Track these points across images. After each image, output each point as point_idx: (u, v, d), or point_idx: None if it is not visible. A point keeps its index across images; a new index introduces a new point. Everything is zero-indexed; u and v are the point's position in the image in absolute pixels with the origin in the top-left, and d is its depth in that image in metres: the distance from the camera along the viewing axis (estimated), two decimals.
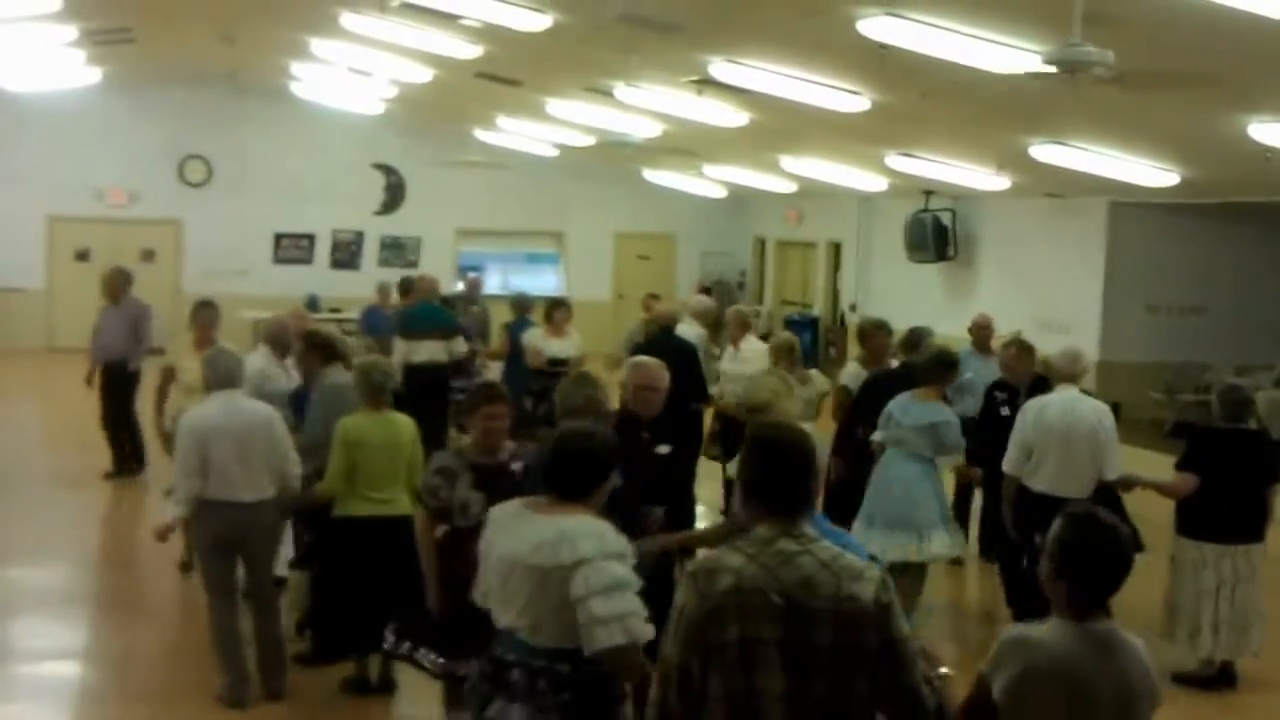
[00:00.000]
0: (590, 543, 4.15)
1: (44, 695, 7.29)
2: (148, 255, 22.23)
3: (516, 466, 5.82)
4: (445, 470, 5.87)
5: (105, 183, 21.74)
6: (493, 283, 21.15)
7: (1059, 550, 3.53)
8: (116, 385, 12.43)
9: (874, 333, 10.07)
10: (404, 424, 7.07)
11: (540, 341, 11.96)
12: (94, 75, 19.86)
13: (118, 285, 12.91)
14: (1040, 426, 7.87)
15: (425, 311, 12.78)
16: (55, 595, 7.55)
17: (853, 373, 9.81)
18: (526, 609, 4.22)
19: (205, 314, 9.73)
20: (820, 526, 3.78)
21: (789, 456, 3.53)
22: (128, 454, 12.45)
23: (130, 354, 12.51)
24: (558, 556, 4.13)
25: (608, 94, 14.30)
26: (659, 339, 10.91)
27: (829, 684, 3.37)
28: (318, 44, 16.11)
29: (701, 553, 4.51)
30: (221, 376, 6.85)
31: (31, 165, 21.01)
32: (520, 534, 4.26)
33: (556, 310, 12.17)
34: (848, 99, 11.30)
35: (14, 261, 21.02)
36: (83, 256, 21.94)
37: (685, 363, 9.96)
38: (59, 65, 18.46)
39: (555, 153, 21.29)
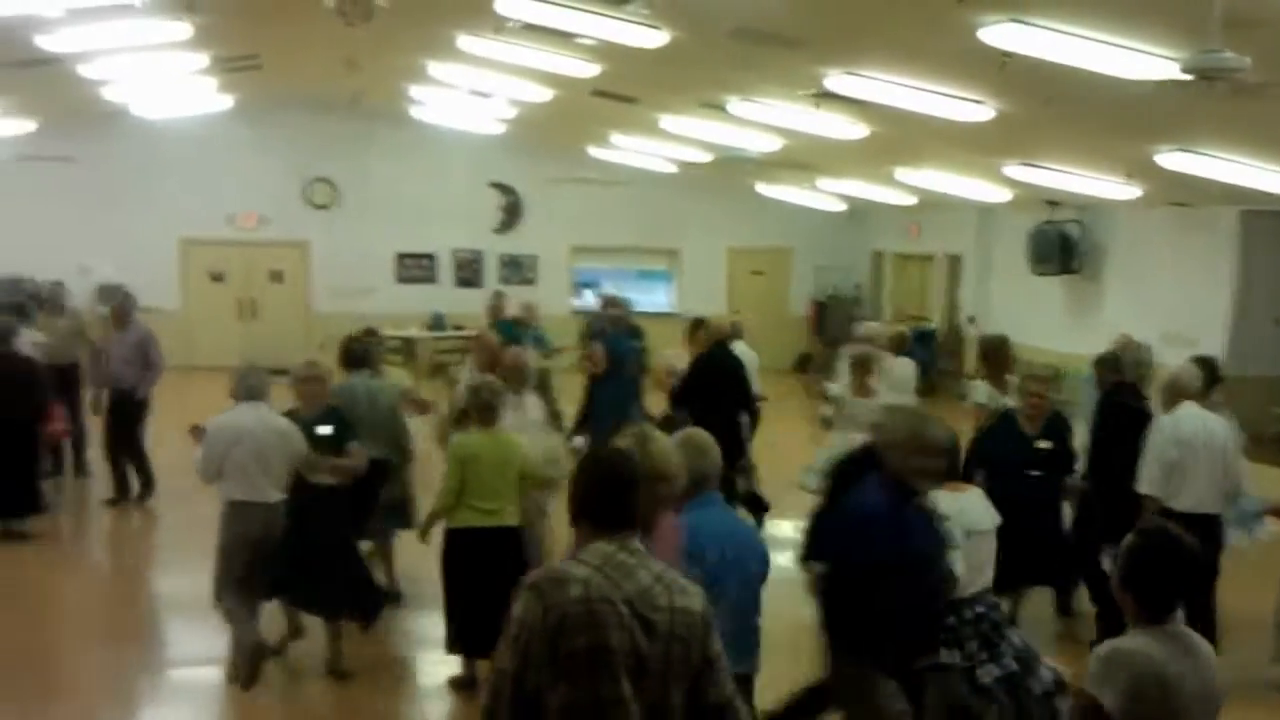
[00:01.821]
0: None
1: (193, 701, 7.50)
2: (276, 276, 22.79)
3: None
4: None
5: (235, 206, 22.30)
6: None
7: (1127, 562, 3.79)
8: (124, 413, 12.24)
9: (998, 350, 9.94)
10: (513, 442, 7.46)
11: (682, 362, 11.91)
12: (224, 102, 20.42)
13: (124, 311, 12.57)
14: (1181, 444, 7.68)
15: None
16: (204, 602, 7.77)
17: (986, 392, 9.62)
18: None
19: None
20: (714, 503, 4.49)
21: (614, 477, 3.67)
22: (135, 481, 12.30)
23: (139, 382, 12.26)
24: None
25: (722, 109, 14.33)
26: (714, 353, 11.04)
27: (656, 692, 3.50)
28: (436, 67, 16.37)
29: None
30: (251, 390, 7.55)
31: (166, 190, 21.64)
32: None
33: (699, 330, 12.11)
34: (969, 108, 11.19)
35: (150, 283, 21.53)
36: (217, 278, 22.56)
37: (737, 376, 10.85)
38: (191, 92, 19.01)
39: (672, 169, 21.36)
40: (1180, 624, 3.81)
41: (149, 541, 11.64)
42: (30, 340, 11.90)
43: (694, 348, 11.17)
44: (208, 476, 7.47)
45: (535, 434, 8.20)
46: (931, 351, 19.96)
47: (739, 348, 11.80)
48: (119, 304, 12.62)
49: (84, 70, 15.02)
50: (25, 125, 19.72)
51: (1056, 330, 17.22)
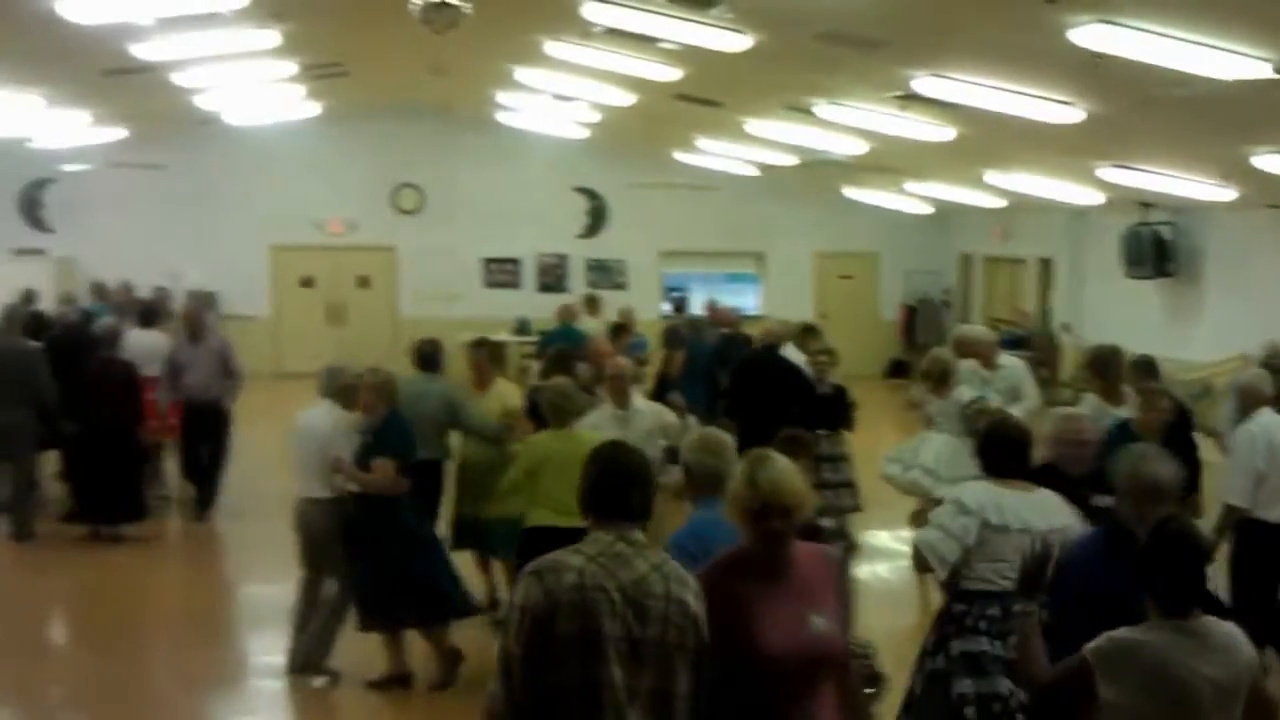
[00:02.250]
0: None
1: (283, 709, 7.56)
2: (364, 282, 23.03)
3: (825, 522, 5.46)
4: None
5: (324, 212, 22.56)
6: (696, 304, 21.23)
7: (1144, 557, 3.94)
8: (206, 426, 11.90)
9: (1108, 361, 9.00)
10: (585, 440, 7.23)
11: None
12: (313, 109, 20.67)
13: (199, 321, 12.19)
14: (1271, 454, 7.44)
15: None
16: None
17: (1094, 404, 8.65)
18: None
19: (478, 353, 9.53)
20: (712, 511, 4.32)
21: (621, 471, 3.87)
22: (205, 492, 12.02)
23: (223, 393, 11.94)
24: None
25: (808, 112, 14.21)
26: (761, 357, 11.01)
27: (656, 678, 3.66)
28: (522, 72, 16.42)
29: None
30: (326, 389, 7.78)
31: (256, 196, 21.96)
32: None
33: (809, 336, 11.99)
34: (1059, 110, 10.98)
35: (241, 290, 21.96)
36: (306, 284, 22.84)
37: (790, 381, 10.54)
38: (280, 100, 19.26)
39: (756, 172, 21.26)
40: (1203, 620, 3.87)
41: (243, 546, 11.72)
42: (151, 342, 12.02)
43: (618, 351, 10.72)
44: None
45: (649, 444, 7.75)
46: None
47: (788, 352, 11.61)
48: (193, 313, 12.36)
49: (176, 78, 15.26)
50: (118, 133, 20.08)
51: (1154, 336, 16.82)
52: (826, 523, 5.20)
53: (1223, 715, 3.84)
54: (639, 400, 8.50)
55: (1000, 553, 5.36)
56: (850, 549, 5.58)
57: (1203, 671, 3.79)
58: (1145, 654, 3.82)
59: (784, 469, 3.91)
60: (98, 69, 14.01)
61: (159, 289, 15.52)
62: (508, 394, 9.27)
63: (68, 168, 21.09)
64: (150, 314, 13.60)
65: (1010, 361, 10.77)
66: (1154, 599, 3.90)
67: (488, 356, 9.39)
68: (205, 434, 11.88)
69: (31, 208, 21.84)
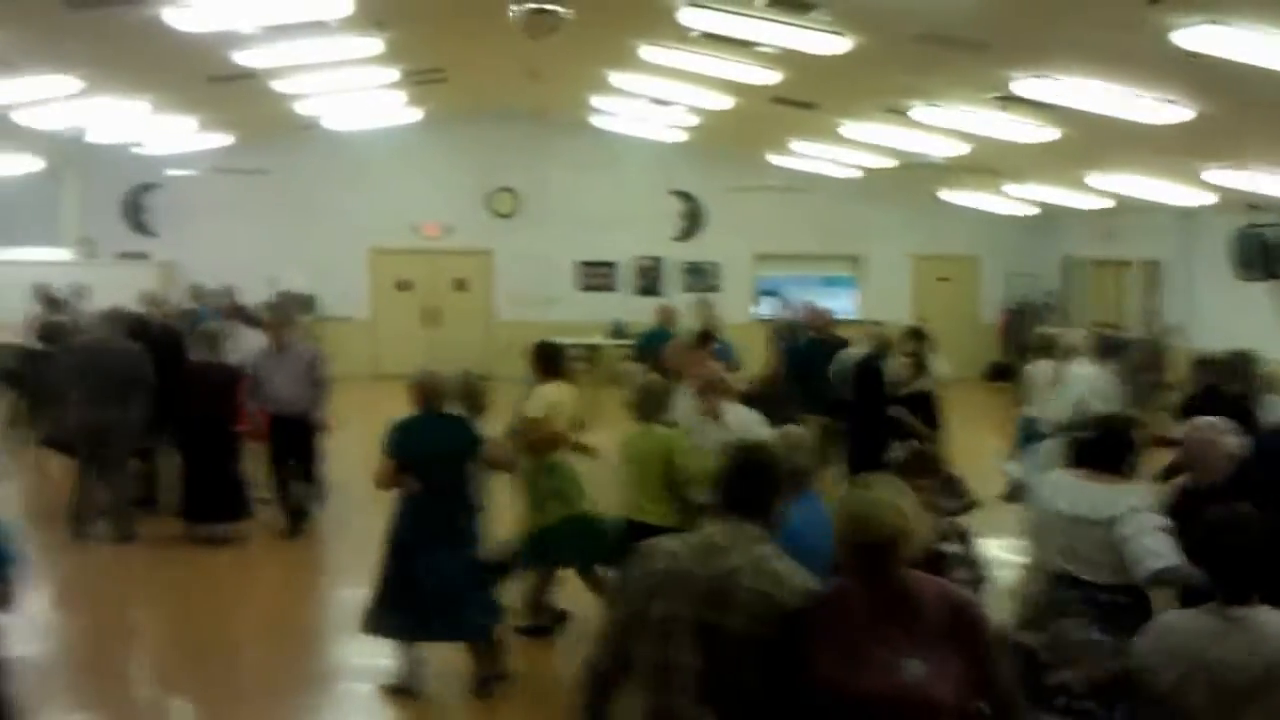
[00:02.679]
0: None
1: (375, 713, 7.59)
2: (460, 285, 23.21)
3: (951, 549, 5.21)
4: None
5: (421, 216, 22.77)
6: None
7: (1199, 541, 4.01)
8: (298, 439, 11.46)
9: (1239, 369, 8.79)
10: (660, 438, 7.44)
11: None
12: (414, 114, 20.89)
13: (282, 329, 11.58)
14: None
15: None
16: None
17: None
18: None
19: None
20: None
21: (743, 467, 3.95)
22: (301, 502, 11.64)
23: (312, 403, 11.42)
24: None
25: (906, 114, 14.08)
26: (872, 363, 10.99)
27: (729, 668, 3.68)
28: (618, 77, 16.45)
29: None
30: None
31: (355, 200, 22.25)
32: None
33: (910, 339, 11.87)
34: (1163, 110, 10.77)
35: (341, 293, 22.25)
36: (404, 287, 23.08)
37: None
38: (381, 105, 19.49)
39: (853, 174, 21.09)
40: (1257, 609, 3.83)
41: (339, 548, 11.83)
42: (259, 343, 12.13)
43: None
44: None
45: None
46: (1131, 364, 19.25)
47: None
48: (276, 322, 11.77)
49: (279, 85, 15.50)
50: (222, 139, 20.48)
51: (1265, 339, 16.42)
52: (951, 548, 4.98)
53: (1262, 709, 3.77)
54: (731, 410, 8.13)
55: (1079, 541, 5.39)
56: (980, 578, 5.27)
57: (1234, 659, 3.76)
58: (1177, 639, 3.87)
59: (875, 500, 3.61)
60: (203, 76, 14.28)
61: (281, 293, 15.41)
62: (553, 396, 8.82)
63: (172, 173, 21.52)
64: (254, 317, 13.80)
65: (1085, 372, 10.59)
66: (1212, 583, 3.92)
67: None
68: (292, 447, 11.45)
69: (136, 212, 22.30)
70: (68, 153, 19.70)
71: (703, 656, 3.70)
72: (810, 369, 12.74)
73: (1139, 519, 5.33)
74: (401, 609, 7.37)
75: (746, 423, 7.82)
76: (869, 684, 3.54)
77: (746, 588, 3.69)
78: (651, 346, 12.64)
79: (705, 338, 11.76)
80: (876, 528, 3.54)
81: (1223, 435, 5.90)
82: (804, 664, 3.63)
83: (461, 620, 7.41)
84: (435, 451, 7.40)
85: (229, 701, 7.69)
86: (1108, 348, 15.34)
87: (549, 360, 8.83)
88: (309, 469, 11.66)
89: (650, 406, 7.57)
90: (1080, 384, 10.36)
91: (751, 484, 3.90)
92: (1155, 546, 5.24)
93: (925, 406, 10.65)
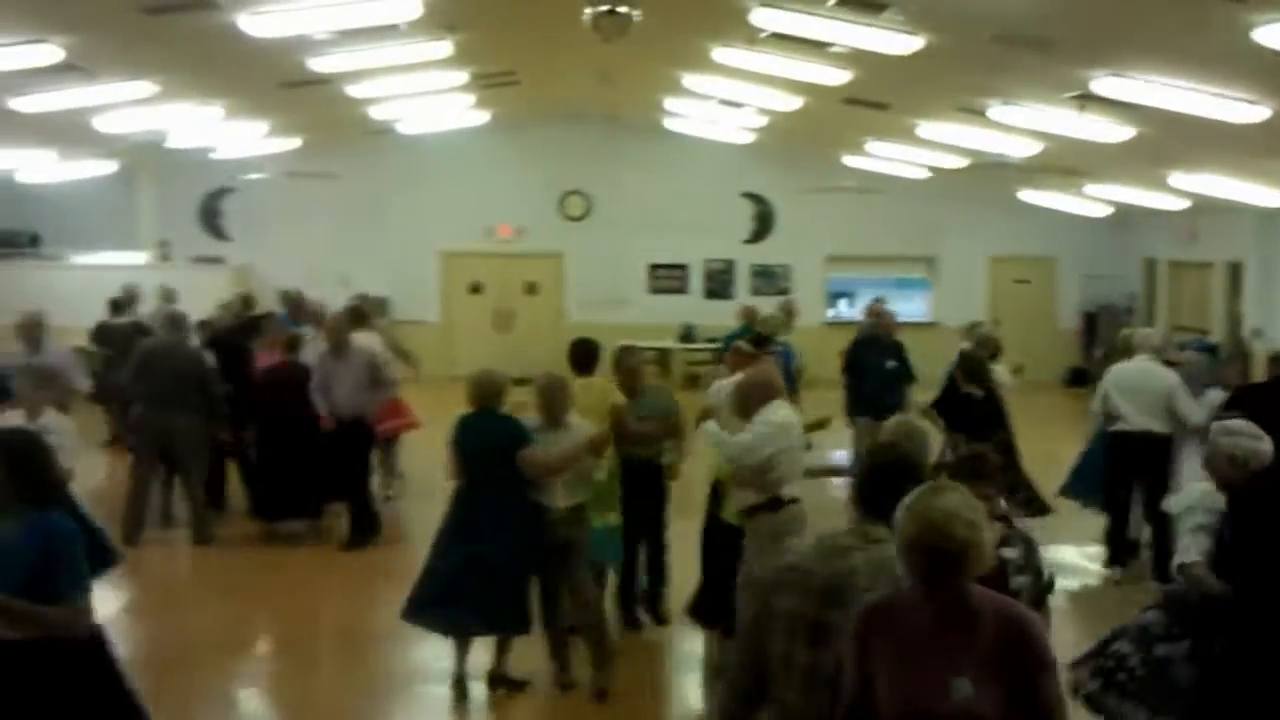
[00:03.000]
0: None
1: (450, 714, 7.59)
2: (531, 288, 23.26)
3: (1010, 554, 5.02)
4: None
5: (492, 219, 22.84)
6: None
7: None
8: (354, 444, 11.32)
9: None
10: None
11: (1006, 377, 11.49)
12: (481, 117, 20.96)
13: (341, 334, 11.37)
14: None
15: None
16: None
17: None
18: None
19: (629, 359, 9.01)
20: None
21: (886, 471, 4.00)
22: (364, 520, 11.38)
23: (367, 407, 11.30)
24: None
25: (981, 114, 13.90)
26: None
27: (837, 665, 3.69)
28: (690, 79, 16.40)
29: None
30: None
31: (426, 203, 22.37)
32: None
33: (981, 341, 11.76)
34: (1244, 109, 10.54)
35: (414, 296, 22.36)
36: (475, 290, 23.17)
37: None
38: (450, 108, 19.58)
39: (927, 175, 20.88)
40: None
41: (416, 548, 11.85)
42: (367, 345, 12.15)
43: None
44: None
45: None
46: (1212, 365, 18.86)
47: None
48: (335, 326, 11.53)
49: (351, 90, 15.60)
50: (292, 143, 20.67)
51: None
52: (1011, 553, 4.78)
53: None
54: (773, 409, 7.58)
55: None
56: (1041, 585, 5.06)
57: None
58: None
59: (948, 508, 3.44)
60: (276, 82, 14.41)
61: (363, 297, 15.31)
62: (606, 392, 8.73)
63: (245, 177, 21.75)
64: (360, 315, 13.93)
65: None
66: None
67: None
68: (349, 451, 11.28)
69: (211, 217, 22.57)
70: (144, 157, 19.99)
71: (815, 653, 3.79)
72: (862, 369, 12.67)
73: (1190, 516, 5.66)
74: (440, 600, 7.42)
75: (784, 423, 7.41)
76: (916, 702, 3.43)
77: (863, 588, 3.72)
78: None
79: (760, 341, 11.66)
80: (948, 537, 3.39)
81: (1230, 437, 5.73)
82: (858, 674, 3.55)
83: (496, 614, 7.43)
84: (482, 446, 7.50)
85: (302, 703, 7.73)
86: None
87: (582, 357, 8.77)
88: (365, 477, 11.65)
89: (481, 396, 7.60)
90: None
91: (882, 484, 3.91)
92: (1189, 543, 5.59)
93: (985, 409, 10.48)
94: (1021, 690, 3.43)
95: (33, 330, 11.04)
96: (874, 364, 12.67)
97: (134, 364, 11.41)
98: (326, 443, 11.18)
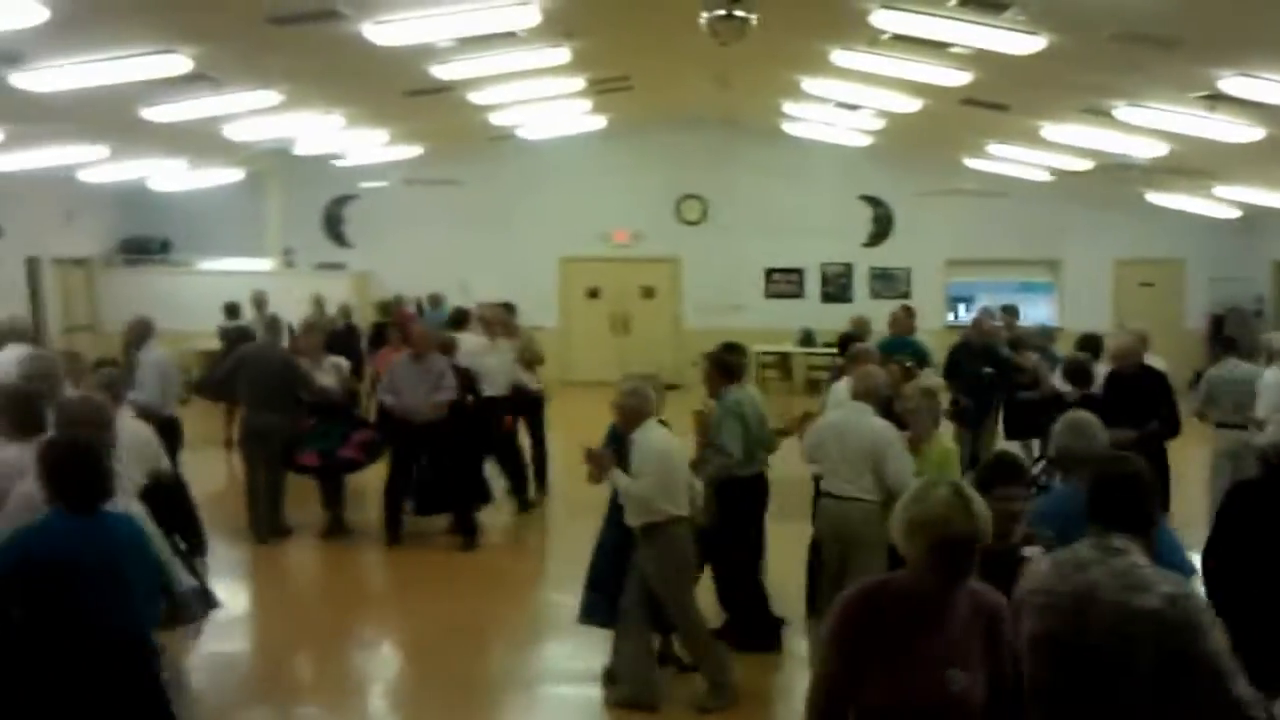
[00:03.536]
0: None
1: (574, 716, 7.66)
2: (648, 292, 23.31)
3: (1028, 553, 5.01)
4: None
5: (610, 224, 22.96)
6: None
7: None
8: (423, 445, 11.39)
9: None
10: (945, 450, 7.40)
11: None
12: (598, 122, 21.07)
13: (425, 341, 11.52)
14: None
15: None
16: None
17: None
18: None
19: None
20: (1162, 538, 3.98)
21: (1116, 481, 3.85)
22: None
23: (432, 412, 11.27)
24: None
25: (1106, 114, 13.65)
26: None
27: (1101, 685, 3.57)
28: (808, 82, 16.32)
29: None
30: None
31: (544, 209, 22.54)
32: None
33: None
34: None
35: (533, 301, 22.48)
36: (593, 294, 23.28)
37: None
38: (567, 114, 19.72)
39: (1049, 177, 20.53)
40: None
41: (550, 549, 11.99)
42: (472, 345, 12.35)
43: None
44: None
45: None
46: None
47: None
48: (420, 333, 11.71)
49: (472, 97, 15.79)
50: (412, 150, 20.97)
51: None
52: (1031, 552, 4.66)
53: None
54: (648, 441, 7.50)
55: None
56: None
57: None
58: None
59: (966, 497, 3.57)
60: (399, 89, 14.63)
61: (504, 304, 15.40)
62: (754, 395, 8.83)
63: (366, 184, 22.10)
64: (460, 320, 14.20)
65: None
66: None
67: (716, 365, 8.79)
68: (421, 453, 11.45)
69: (334, 223, 22.98)
70: (270, 165, 20.44)
71: (1064, 674, 3.68)
72: (957, 372, 12.63)
73: None
74: (603, 598, 7.50)
75: (661, 450, 7.26)
76: (913, 694, 3.51)
77: (1109, 601, 3.62)
78: (890, 354, 12.68)
79: (850, 340, 11.72)
80: (984, 532, 3.53)
81: None
82: (851, 666, 3.56)
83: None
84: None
85: (438, 702, 7.85)
86: None
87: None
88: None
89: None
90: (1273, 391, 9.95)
91: (1114, 497, 3.83)
92: None
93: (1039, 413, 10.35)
94: (997, 674, 3.65)
95: (140, 333, 11.36)
96: (972, 370, 12.53)
97: (226, 368, 11.78)
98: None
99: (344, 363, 12.32)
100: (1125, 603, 3.58)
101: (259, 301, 17.21)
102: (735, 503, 8.14)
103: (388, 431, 11.45)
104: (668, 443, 7.20)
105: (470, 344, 12.48)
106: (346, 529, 11.61)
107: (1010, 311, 14.82)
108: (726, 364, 8.49)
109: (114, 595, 4.72)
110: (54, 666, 4.65)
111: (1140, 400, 9.61)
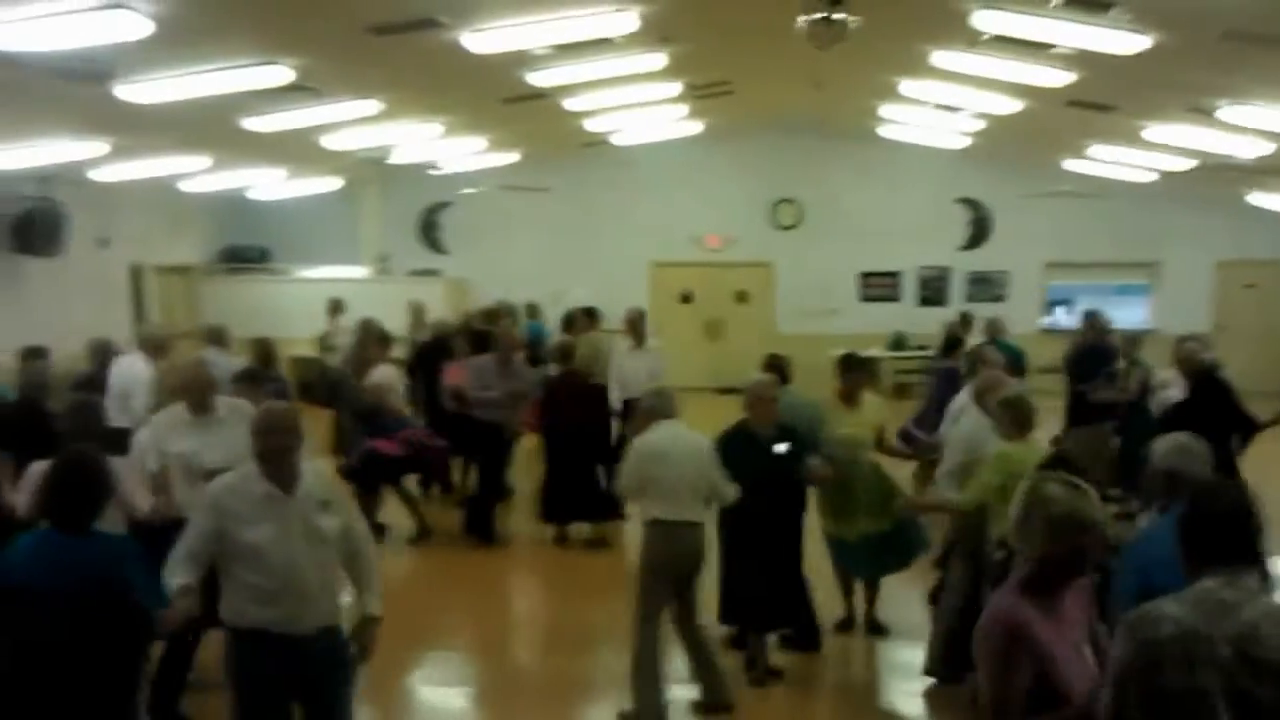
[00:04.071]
0: None
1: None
2: (741, 297, 23.23)
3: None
4: None
5: (703, 228, 22.92)
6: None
7: None
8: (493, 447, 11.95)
9: None
10: (1038, 453, 7.07)
11: None
12: (694, 128, 21.05)
13: (512, 346, 12.07)
14: None
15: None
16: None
17: None
18: None
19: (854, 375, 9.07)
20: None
21: (1226, 510, 3.47)
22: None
23: (509, 417, 11.86)
24: None
25: (1209, 114, 13.37)
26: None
27: None
28: (906, 84, 16.16)
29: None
30: (666, 409, 7.55)
31: (637, 214, 22.57)
32: None
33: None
34: None
35: (622, 306, 22.42)
36: (685, 299, 23.25)
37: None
38: (662, 120, 19.71)
39: (1150, 178, 20.13)
40: None
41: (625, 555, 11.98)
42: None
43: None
44: (629, 493, 7.66)
45: None
46: None
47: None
48: (508, 338, 12.13)
49: (568, 103, 15.84)
50: (508, 157, 21.08)
51: None
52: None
53: None
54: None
55: None
56: None
57: None
58: None
59: (1086, 498, 3.83)
60: (496, 97, 14.72)
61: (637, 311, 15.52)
62: (874, 410, 9.02)
63: (463, 191, 22.25)
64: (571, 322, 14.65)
65: None
66: None
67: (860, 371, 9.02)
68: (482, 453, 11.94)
69: (430, 230, 23.17)
70: (367, 174, 20.65)
71: None
72: (1082, 373, 12.55)
73: None
74: (736, 602, 7.66)
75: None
76: (1080, 685, 3.66)
77: (1274, 647, 3.20)
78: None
79: (953, 345, 11.67)
80: (1096, 525, 3.73)
81: None
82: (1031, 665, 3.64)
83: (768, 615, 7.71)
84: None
85: (523, 700, 7.88)
86: None
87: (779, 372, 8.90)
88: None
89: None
90: None
91: (1232, 529, 3.44)
92: None
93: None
94: (1094, 643, 3.88)
95: (216, 338, 11.66)
96: (1094, 373, 12.38)
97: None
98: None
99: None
100: None
101: (337, 309, 17.58)
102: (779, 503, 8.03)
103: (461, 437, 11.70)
104: (650, 444, 7.34)
105: (618, 346, 13.12)
106: (428, 531, 11.82)
107: (1094, 317, 14.70)
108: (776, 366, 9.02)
109: (81, 620, 4.79)
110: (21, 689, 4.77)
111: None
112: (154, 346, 10.27)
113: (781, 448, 7.69)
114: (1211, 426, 9.27)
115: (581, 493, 11.61)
